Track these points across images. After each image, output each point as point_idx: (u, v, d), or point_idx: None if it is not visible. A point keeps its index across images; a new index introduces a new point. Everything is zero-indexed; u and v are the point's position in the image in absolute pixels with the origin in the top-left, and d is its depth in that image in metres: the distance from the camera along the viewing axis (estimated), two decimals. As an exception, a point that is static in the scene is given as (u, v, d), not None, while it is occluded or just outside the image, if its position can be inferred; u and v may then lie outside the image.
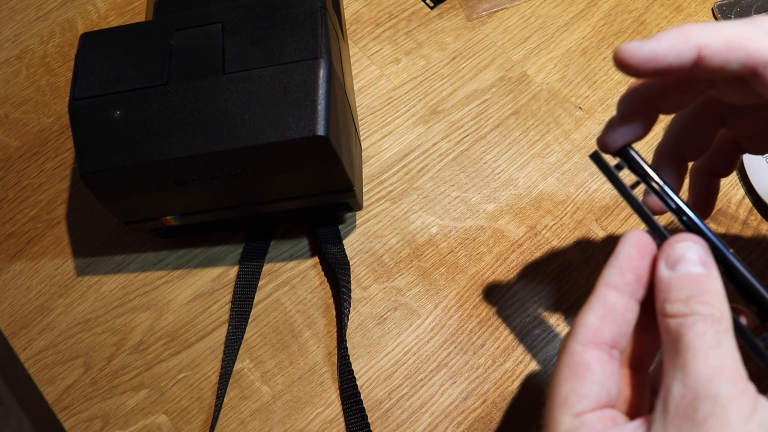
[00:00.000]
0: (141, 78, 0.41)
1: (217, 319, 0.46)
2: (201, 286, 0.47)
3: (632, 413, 0.30)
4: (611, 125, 0.32)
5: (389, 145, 0.50)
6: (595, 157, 0.32)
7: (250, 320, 0.46)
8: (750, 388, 0.26)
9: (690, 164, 0.37)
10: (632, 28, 0.52)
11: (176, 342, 0.46)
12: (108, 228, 0.49)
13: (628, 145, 0.31)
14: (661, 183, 0.31)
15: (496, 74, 0.51)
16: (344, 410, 0.43)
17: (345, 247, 0.47)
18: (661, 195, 0.31)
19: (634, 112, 0.31)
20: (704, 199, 0.38)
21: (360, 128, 0.50)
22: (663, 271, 0.29)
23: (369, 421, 0.42)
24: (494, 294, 0.45)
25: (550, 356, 0.43)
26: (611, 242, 0.45)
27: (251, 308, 0.46)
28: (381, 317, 0.45)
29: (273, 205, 0.44)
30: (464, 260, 0.46)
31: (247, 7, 0.42)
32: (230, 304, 0.46)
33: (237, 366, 0.44)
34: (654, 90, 0.31)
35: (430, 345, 0.44)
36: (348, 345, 0.44)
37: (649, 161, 0.33)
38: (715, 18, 0.51)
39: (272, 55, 0.40)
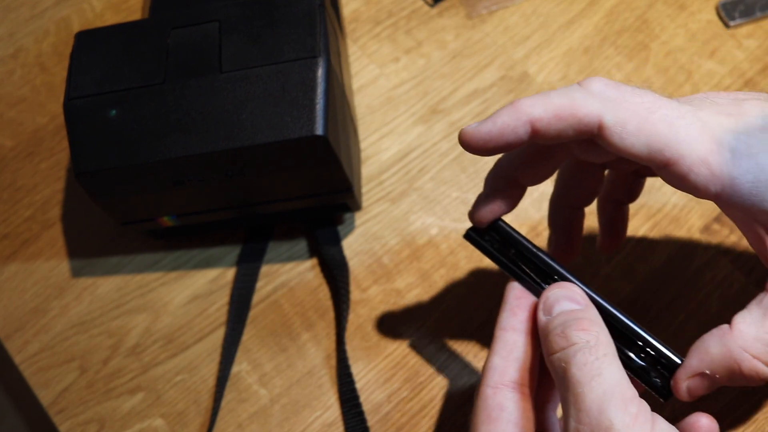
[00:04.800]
0: (137, 77, 0.40)
1: (214, 321, 0.45)
2: (198, 288, 0.46)
3: None
4: (480, 201, 0.34)
5: (389, 145, 0.49)
6: (469, 237, 0.35)
7: (247, 322, 0.45)
8: (644, 409, 0.27)
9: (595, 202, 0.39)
10: (635, 26, 0.51)
11: (173, 344, 0.45)
12: (104, 229, 0.49)
13: (498, 219, 0.34)
14: (533, 249, 0.33)
15: (496, 73, 0.51)
16: (343, 413, 0.42)
17: (344, 248, 0.46)
18: (536, 262, 0.33)
19: (499, 188, 0.33)
20: (613, 229, 0.39)
21: (359, 128, 0.50)
22: (541, 318, 0.31)
23: (368, 424, 0.42)
24: (496, 296, 0.44)
25: (551, 359, 0.43)
26: (613, 243, 0.45)
27: (249, 310, 0.45)
28: (380, 319, 0.45)
29: (271, 206, 0.44)
30: (465, 262, 0.46)
31: (245, 6, 0.41)
32: (228, 306, 0.46)
33: (234, 369, 0.44)
34: (515, 166, 0.33)
35: (431, 347, 0.44)
36: (347, 347, 0.44)
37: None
38: (719, 16, 0.51)
39: (270, 54, 0.39)
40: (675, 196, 0.46)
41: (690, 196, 0.45)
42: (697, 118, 0.29)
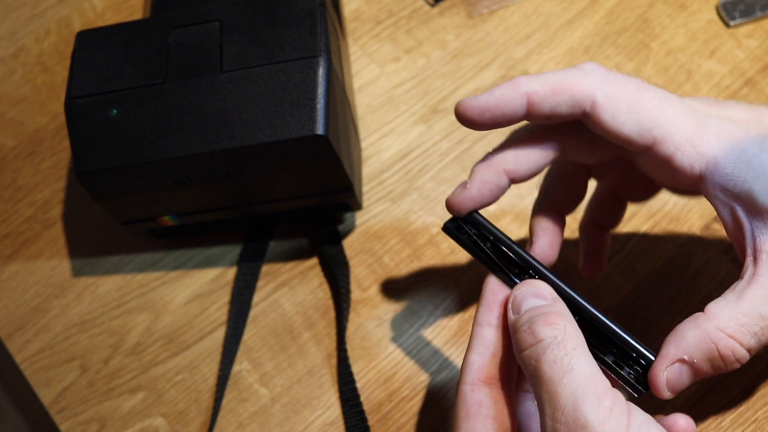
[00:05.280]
0: (138, 76, 0.40)
1: (215, 321, 0.45)
2: (199, 287, 0.47)
3: None
4: (462, 190, 0.33)
5: (389, 145, 0.49)
6: (446, 229, 0.34)
7: (248, 321, 0.45)
8: (618, 401, 0.27)
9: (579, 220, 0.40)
10: (635, 26, 0.51)
11: (174, 344, 0.45)
12: (105, 228, 0.49)
13: (475, 211, 0.34)
14: (508, 242, 0.33)
15: (497, 73, 0.51)
16: (344, 413, 0.42)
17: (344, 247, 0.46)
18: (510, 255, 0.33)
19: (485, 179, 0.33)
20: (595, 254, 0.40)
21: (359, 127, 0.50)
22: (510, 317, 0.31)
23: (369, 423, 0.42)
24: (496, 295, 0.45)
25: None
26: (613, 243, 0.45)
27: (249, 309, 0.46)
28: (381, 319, 0.45)
29: (272, 205, 0.44)
30: (465, 261, 0.46)
31: (246, 5, 0.41)
32: (228, 306, 0.46)
33: (235, 368, 0.44)
34: (505, 157, 0.33)
35: (431, 347, 0.44)
36: (347, 347, 0.44)
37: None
38: (719, 16, 0.51)
39: (271, 54, 0.39)
40: (675, 196, 0.46)
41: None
42: (683, 102, 0.31)
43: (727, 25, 0.50)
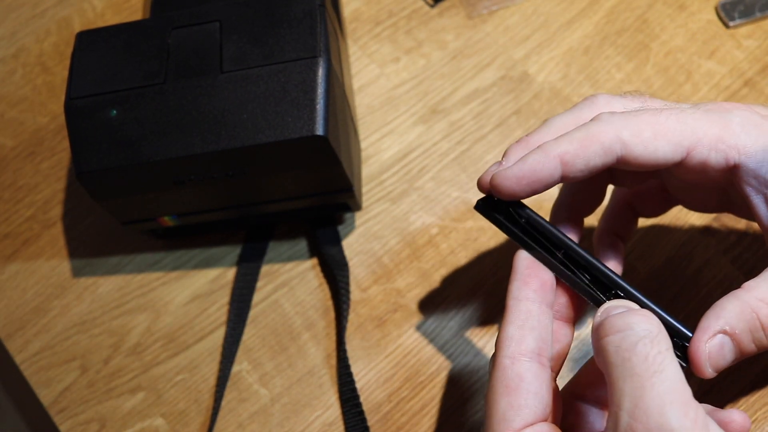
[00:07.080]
0: (138, 77, 0.40)
1: (214, 321, 0.45)
2: (199, 288, 0.47)
3: (557, 424, 0.31)
4: (498, 167, 0.33)
5: (389, 145, 0.49)
6: (479, 207, 0.34)
7: (248, 322, 0.45)
8: (700, 413, 0.26)
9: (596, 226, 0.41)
10: (635, 26, 0.51)
11: (174, 344, 0.45)
12: (105, 229, 0.49)
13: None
14: (543, 223, 0.33)
15: (497, 73, 0.51)
16: (343, 413, 0.42)
17: (344, 248, 0.46)
18: (545, 233, 0.33)
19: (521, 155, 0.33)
20: (608, 263, 0.40)
21: (359, 128, 0.50)
22: (597, 319, 0.30)
23: (368, 424, 0.42)
24: (496, 295, 0.45)
25: (551, 358, 0.43)
26: (613, 243, 0.45)
27: (249, 310, 0.46)
28: (380, 319, 0.45)
29: (271, 206, 0.44)
30: (465, 261, 0.46)
31: (246, 6, 0.41)
32: (228, 306, 0.46)
33: (235, 368, 0.44)
34: (543, 139, 0.33)
35: (431, 347, 0.44)
36: (347, 347, 0.44)
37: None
38: (719, 17, 0.51)
39: (271, 54, 0.39)
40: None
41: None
42: (696, 108, 0.32)
43: (727, 26, 0.50)
